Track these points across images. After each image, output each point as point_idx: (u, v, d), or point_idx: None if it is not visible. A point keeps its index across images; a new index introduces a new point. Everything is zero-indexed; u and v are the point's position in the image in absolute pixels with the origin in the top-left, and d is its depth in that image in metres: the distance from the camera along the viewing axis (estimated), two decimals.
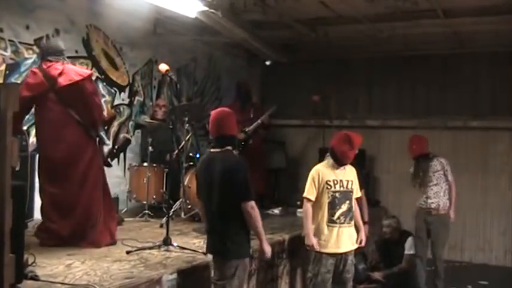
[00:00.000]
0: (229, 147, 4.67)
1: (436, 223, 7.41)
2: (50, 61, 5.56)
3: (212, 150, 4.73)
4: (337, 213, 5.44)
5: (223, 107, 5.11)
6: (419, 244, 7.57)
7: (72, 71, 5.57)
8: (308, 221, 5.49)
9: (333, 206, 5.43)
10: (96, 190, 5.75)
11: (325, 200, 5.44)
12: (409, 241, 7.77)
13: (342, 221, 5.45)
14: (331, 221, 5.43)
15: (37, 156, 5.77)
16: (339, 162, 5.52)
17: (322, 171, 5.51)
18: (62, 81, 5.46)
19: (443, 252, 7.63)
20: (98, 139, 5.87)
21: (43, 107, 5.54)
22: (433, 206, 7.39)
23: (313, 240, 5.45)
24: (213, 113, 4.82)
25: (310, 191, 5.48)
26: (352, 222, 5.57)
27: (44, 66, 5.54)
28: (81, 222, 5.63)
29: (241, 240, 4.58)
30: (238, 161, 4.67)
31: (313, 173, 5.54)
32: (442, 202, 7.37)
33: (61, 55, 5.67)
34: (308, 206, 5.48)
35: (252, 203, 4.48)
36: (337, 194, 5.45)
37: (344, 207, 5.47)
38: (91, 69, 7.56)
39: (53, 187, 5.65)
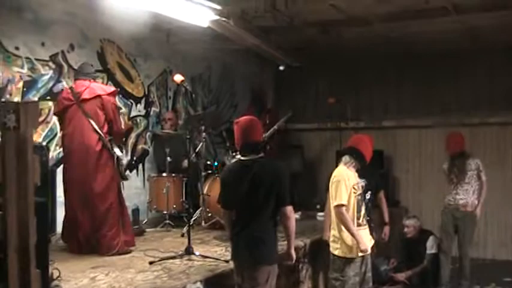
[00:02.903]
0: (262, 154, 4.68)
1: (463, 219, 7.46)
2: (79, 79, 6.19)
3: (243, 158, 4.69)
4: (361, 216, 5.49)
5: (246, 116, 5.10)
6: (446, 239, 7.58)
7: (98, 88, 6.15)
8: (352, 227, 5.36)
9: (358, 209, 5.46)
10: (114, 201, 5.96)
11: (353, 204, 5.43)
12: (431, 240, 7.77)
13: (365, 222, 5.53)
14: (358, 225, 5.43)
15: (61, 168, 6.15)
16: (363, 164, 5.54)
17: (348, 176, 5.45)
18: (86, 95, 5.98)
19: (470, 250, 7.61)
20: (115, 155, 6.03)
21: (68, 118, 6.02)
22: (461, 202, 7.45)
23: (367, 245, 5.41)
24: (238, 121, 4.80)
25: (343, 197, 5.35)
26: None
27: (73, 85, 6.18)
28: (97, 230, 5.86)
29: (273, 246, 4.58)
30: (282, 165, 4.69)
31: (340, 178, 5.42)
32: (470, 200, 7.43)
33: (89, 75, 6.23)
34: (344, 211, 5.34)
35: (291, 208, 4.52)
36: (359, 197, 5.49)
37: (363, 210, 5.54)
38: (106, 83, 7.66)
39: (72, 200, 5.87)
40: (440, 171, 7.83)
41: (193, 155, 7.59)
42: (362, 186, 5.59)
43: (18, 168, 2.73)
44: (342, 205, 5.34)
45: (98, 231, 5.83)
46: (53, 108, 6.71)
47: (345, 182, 5.38)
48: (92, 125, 5.87)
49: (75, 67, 7.12)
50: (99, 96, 6.01)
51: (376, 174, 6.81)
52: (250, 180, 4.49)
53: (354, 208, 5.42)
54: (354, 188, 5.43)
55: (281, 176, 4.52)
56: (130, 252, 6.01)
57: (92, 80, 6.21)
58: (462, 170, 7.44)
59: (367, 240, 5.49)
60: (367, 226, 5.57)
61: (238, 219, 4.64)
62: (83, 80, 6.15)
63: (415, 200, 10.13)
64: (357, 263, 5.47)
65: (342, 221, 5.37)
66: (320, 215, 8.05)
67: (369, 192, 6.13)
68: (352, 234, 5.34)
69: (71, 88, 6.18)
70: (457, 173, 7.49)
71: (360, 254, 5.41)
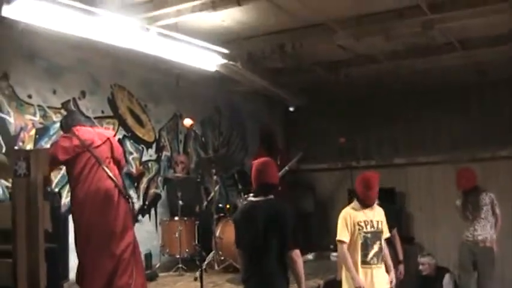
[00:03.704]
0: (272, 196, 4.69)
1: (483, 255, 7.36)
2: (80, 125, 6.01)
3: (254, 198, 4.72)
4: (370, 254, 5.41)
5: (258, 157, 5.13)
6: (464, 276, 7.49)
7: (103, 131, 6.24)
8: (349, 263, 5.41)
9: (365, 247, 5.41)
10: (130, 244, 5.86)
11: (358, 242, 5.42)
12: (447, 277, 7.68)
13: (375, 261, 5.44)
14: (365, 263, 5.40)
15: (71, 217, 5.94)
16: (362, 204, 5.53)
17: (352, 213, 5.51)
18: (98, 141, 5.90)
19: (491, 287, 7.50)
20: (128, 198, 6.03)
21: (80, 166, 5.81)
22: (479, 238, 7.35)
23: (361, 282, 5.38)
24: (255, 162, 4.87)
25: (342, 233, 5.46)
26: (383, 263, 5.53)
27: (76, 132, 5.89)
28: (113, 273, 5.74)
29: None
30: (288, 208, 4.67)
31: (343, 215, 5.55)
32: (489, 235, 7.34)
33: (88, 122, 6.29)
34: (344, 249, 5.44)
35: (298, 251, 4.49)
36: (368, 235, 5.44)
37: (376, 248, 5.45)
38: (117, 128, 7.74)
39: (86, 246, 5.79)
40: (454, 208, 7.76)
41: (205, 203, 7.57)
42: (377, 223, 5.52)
43: (28, 215, 2.75)
44: (341, 241, 5.43)
45: (114, 274, 5.77)
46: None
47: (346, 219, 5.46)
48: (106, 172, 5.82)
49: (87, 114, 7.22)
50: (108, 139, 6.00)
51: (392, 210, 6.75)
52: (259, 221, 4.51)
53: (359, 245, 5.41)
54: (359, 224, 5.42)
55: (287, 218, 4.52)
56: None
57: (93, 126, 6.25)
58: (476, 205, 7.38)
59: (379, 281, 5.42)
60: (379, 265, 5.48)
61: (250, 262, 4.63)
62: (84, 126, 6.05)
63: (430, 237, 10.01)
64: None
65: (340, 257, 5.47)
66: (334, 255, 7.98)
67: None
68: (348, 270, 5.38)
69: (75, 135, 5.89)
70: (471, 209, 7.42)
71: None
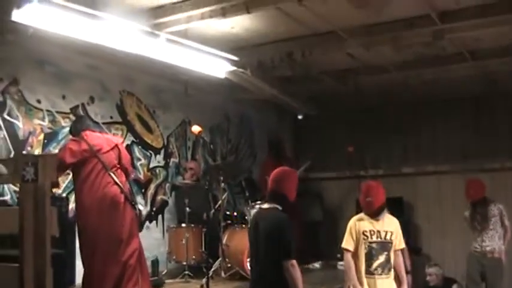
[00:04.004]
0: (277, 206, 4.66)
1: (491, 266, 7.35)
2: (90, 131, 6.05)
3: (261, 206, 4.75)
4: (375, 264, 5.35)
5: (272, 166, 5.11)
6: (473, 287, 7.41)
7: (111, 138, 6.25)
8: (351, 272, 5.40)
9: (370, 257, 5.37)
10: (135, 250, 5.86)
11: (362, 251, 5.39)
12: None
13: (380, 272, 5.36)
14: (368, 272, 5.36)
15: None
16: (365, 213, 5.50)
17: (359, 222, 5.48)
18: (106, 147, 5.93)
19: None
20: (134, 205, 6.02)
21: (87, 170, 5.85)
22: (488, 249, 7.35)
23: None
24: (276, 171, 4.83)
25: (347, 242, 5.46)
26: (391, 274, 5.43)
27: (85, 137, 5.93)
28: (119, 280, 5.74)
29: None
30: (283, 218, 4.58)
31: (350, 223, 5.53)
32: (497, 246, 7.33)
33: (97, 127, 6.31)
34: (348, 257, 5.43)
35: (293, 261, 4.42)
36: (374, 245, 5.38)
37: (382, 258, 5.37)
38: (126, 134, 7.76)
39: (92, 253, 5.78)
40: (462, 218, 7.72)
41: (213, 211, 7.56)
42: (386, 233, 5.45)
43: (35, 220, 2.75)
44: (345, 249, 5.45)
45: (120, 282, 5.76)
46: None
47: (352, 228, 5.46)
48: (112, 178, 5.84)
49: (95, 119, 7.23)
50: (116, 145, 6.03)
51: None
52: (258, 230, 4.57)
53: (363, 255, 5.38)
54: (364, 234, 5.39)
55: (279, 229, 4.47)
56: None
57: (102, 131, 6.29)
58: (485, 216, 7.35)
59: None
60: (385, 276, 5.37)
61: (253, 269, 4.70)
62: (93, 132, 6.10)
63: (437, 248, 9.96)
64: None
65: (344, 265, 5.50)
66: (341, 264, 7.93)
67: None
68: (348, 279, 5.39)
69: (84, 140, 5.95)
70: (480, 220, 7.40)
71: None
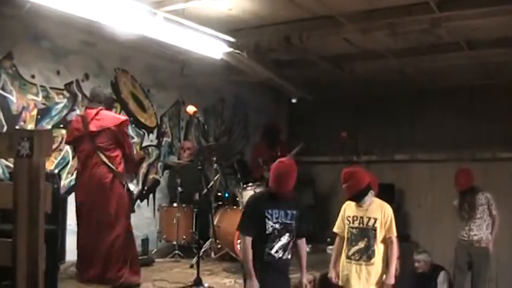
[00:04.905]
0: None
1: (478, 255, 7.41)
2: (91, 108, 5.98)
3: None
4: (352, 250, 5.39)
5: (285, 159, 5.16)
6: (459, 275, 7.52)
7: (107, 118, 5.92)
8: (333, 254, 5.66)
9: (349, 242, 5.43)
10: (121, 232, 5.81)
11: (346, 236, 5.49)
12: (442, 275, 7.69)
13: (357, 257, 5.36)
14: (347, 257, 5.44)
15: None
16: (347, 198, 5.51)
17: (347, 207, 5.56)
18: (93, 126, 5.82)
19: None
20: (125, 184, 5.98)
21: (79, 149, 5.94)
22: (475, 238, 7.41)
23: (332, 273, 5.59)
24: (278, 163, 4.98)
25: (337, 225, 5.62)
26: (373, 261, 5.33)
27: (84, 114, 6.00)
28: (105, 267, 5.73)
29: None
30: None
31: (342, 208, 5.61)
32: (484, 235, 7.39)
33: (100, 102, 6.01)
34: (336, 241, 5.64)
35: (241, 237, 4.80)
36: (353, 230, 5.42)
37: (361, 244, 5.36)
38: (119, 112, 7.72)
39: (82, 230, 5.84)
40: (452, 206, 7.76)
41: (205, 191, 7.56)
42: (369, 220, 5.40)
43: (29, 196, 2.74)
44: (334, 232, 5.65)
45: (106, 261, 5.76)
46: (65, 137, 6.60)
47: (342, 213, 5.57)
48: (100, 157, 5.79)
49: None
50: (108, 128, 5.84)
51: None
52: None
53: (346, 239, 5.46)
54: (347, 219, 5.47)
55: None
56: (138, 285, 5.85)
57: (102, 108, 5.97)
58: (472, 205, 7.40)
59: (355, 278, 5.34)
60: (364, 263, 5.33)
61: None
62: (94, 109, 5.95)
63: (427, 235, 10.00)
64: None
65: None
66: (330, 248, 7.98)
67: None
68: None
69: (82, 117, 6.02)
70: (467, 209, 7.45)
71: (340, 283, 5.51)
